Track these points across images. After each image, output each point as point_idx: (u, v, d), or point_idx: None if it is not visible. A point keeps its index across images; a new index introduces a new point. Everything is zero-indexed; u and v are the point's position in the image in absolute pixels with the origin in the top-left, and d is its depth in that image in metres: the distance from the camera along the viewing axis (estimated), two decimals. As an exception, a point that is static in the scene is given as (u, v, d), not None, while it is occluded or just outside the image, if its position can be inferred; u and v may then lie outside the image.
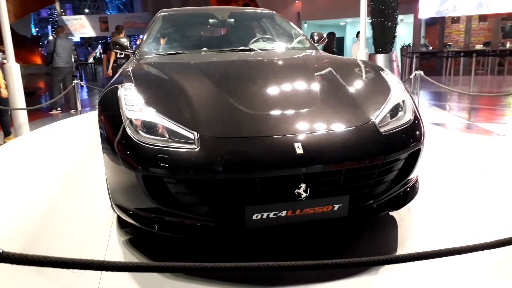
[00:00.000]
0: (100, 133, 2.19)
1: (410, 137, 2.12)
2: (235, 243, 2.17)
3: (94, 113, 6.51)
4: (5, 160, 4.00)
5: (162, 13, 3.91)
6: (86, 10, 37.22)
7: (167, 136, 1.97)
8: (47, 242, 2.31)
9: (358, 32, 8.74)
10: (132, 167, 1.93)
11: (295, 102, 2.22)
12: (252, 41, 3.62)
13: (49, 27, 35.11)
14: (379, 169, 2.02)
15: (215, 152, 1.88)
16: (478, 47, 17.98)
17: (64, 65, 8.65)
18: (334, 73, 2.57)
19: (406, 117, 2.23)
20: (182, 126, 1.99)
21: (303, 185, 1.88)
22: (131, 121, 2.05)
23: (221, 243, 2.17)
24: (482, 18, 19.92)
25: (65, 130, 5.32)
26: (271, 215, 1.90)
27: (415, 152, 2.14)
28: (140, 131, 2.01)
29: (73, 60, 9.18)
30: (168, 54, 3.27)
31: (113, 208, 2.37)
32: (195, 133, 1.95)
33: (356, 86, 2.42)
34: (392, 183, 2.13)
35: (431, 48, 21.25)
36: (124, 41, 3.58)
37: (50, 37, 8.93)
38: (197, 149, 1.88)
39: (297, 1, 22.78)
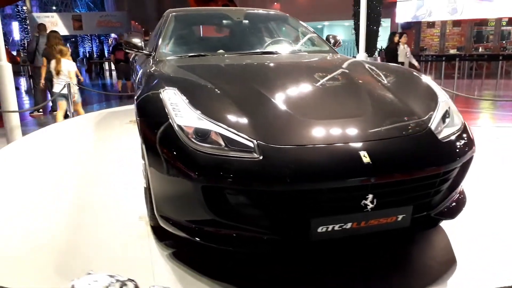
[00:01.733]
0: (144, 142, 2.04)
1: (465, 143, 2.08)
2: (295, 256, 2.07)
3: (90, 115, 6.27)
4: (6, 168, 3.74)
5: (174, 13, 3.76)
6: (54, 8, 35.98)
7: (223, 144, 1.85)
8: (84, 257, 2.14)
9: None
10: (191, 178, 1.80)
11: (348, 108, 2.16)
12: (270, 43, 3.54)
13: (17, 24, 33.71)
14: (441, 177, 1.97)
15: (279, 161, 1.78)
16: (452, 51, 18.52)
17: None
18: (375, 78, 2.52)
19: (455, 122, 2.19)
20: (240, 134, 1.88)
21: (370, 196, 1.81)
22: (181, 128, 1.92)
23: (279, 256, 2.06)
24: (456, 23, 20.53)
25: (62, 133, 5.05)
26: (337, 227, 1.81)
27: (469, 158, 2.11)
28: (192, 139, 1.88)
29: None
30: (189, 56, 3.13)
31: (151, 220, 2.24)
32: (254, 141, 1.84)
33: (402, 91, 2.37)
34: (448, 191, 2.09)
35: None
36: (138, 41, 3.41)
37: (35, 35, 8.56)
38: (260, 158, 1.77)
39: (275, 4, 22.84)
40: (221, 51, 3.29)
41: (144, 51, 3.38)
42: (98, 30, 26.95)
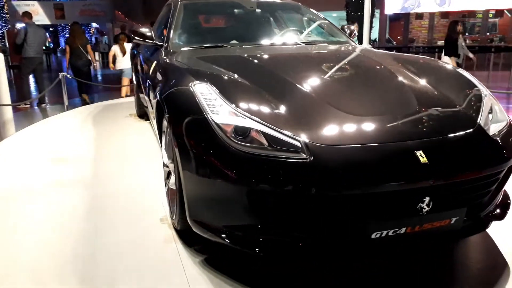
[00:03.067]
0: (178, 142, 1.87)
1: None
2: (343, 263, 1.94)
3: (87, 108, 6.00)
4: (5, 167, 3.50)
5: (183, 2, 3.54)
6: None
7: (266, 143, 1.70)
8: (108, 266, 1.96)
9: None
10: (236, 181, 1.64)
11: (393, 103, 2.03)
12: (286, 33, 3.39)
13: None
14: (494, 177, 1.86)
15: (331, 163, 1.63)
16: (440, 43, 18.60)
17: (35, 55, 7.93)
18: (410, 70, 2.38)
19: (500, 118, 2.08)
20: (284, 132, 1.72)
21: (427, 198, 1.68)
22: (219, 126, 1.76)
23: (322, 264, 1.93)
24: (444, 15, 20.64)
25: (59, 128, 4.79)
26: (391, 232, 1.69)
27: None
28: (232, 138, 1.72)
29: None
30: (205, 47, 2.95)
31: (178, 223, 2.08)
32: (301, 139, 1.69)
33: (442, 85, 2.24)
34: (495, 192, 1.98)
35: (394, 43, 21.79)
36: (147, 30, 3.21)
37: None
38: (311, 159, 1.62)
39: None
40: (234, 41, 3.12)
41: (155, 41, 3.18)
42: (81, 19, 26.18)
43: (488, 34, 19.45)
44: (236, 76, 2.17)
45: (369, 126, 1.82)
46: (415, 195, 1.67)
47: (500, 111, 2.15)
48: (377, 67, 2.48)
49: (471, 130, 1.89)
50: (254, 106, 1.87)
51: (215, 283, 1.82)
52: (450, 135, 1.84)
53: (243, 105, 1.86)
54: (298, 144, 1.68)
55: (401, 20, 21.75)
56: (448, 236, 1.83)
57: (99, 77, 14.14)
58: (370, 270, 1.91)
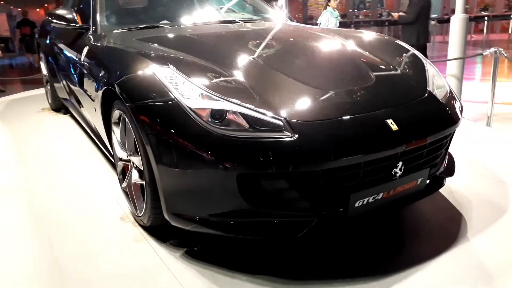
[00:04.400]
0: (147, 133, 1.72)
1: (459, 102, 2.17)
2: (331, 236, 1.98)
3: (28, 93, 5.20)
4: None
5: None
6: None
7: (246, 125, 1.65)
8: (82, 279, 1.77)
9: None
10: (224, 167, 1.58)
11: (353, 77, 2.09)
12: (221, 12, 3.30)
13: None
14: (447, 138, 2.04)
15: (315, 139, 1.64)
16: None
17: None
18: (357, 44, 2.48)
19: (440, 84, 2.27)
20: (264, 112, 1.68)
21: (400, 164, 1.79)
22: (194, 112, 1.66)
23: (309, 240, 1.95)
24: (338, -8, 21.72)
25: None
26: (371, 199, 1.77)
27: None
28: (209, 123, 1.64)
29: None
30: (140, 28, 2.74)
31: (148, 219, 1.95)
32: (282, 118, 1.67)
33: (387, 55, 2.37)
34: (445, 152, 2.17)
35: (295, 21, 22.41)
36: (67, 12, 2.89)
37: None
38: (296, 137, 1.62)
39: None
40: (165, 21, 2.94)
41: (78, 25, 2.88)
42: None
43: (379, 9, 20.97)
44: (192, 57, 2.06)
45: (339, 99, 1.86)
46: (390, 161, 1.76)
47: (439, 77, 2.33)
48: (325, 41, 2.53)
49: (425, 96, 2.04)
50: (224, 88, 1.80)
51: (206, 274, 1.75)
52: (408, 102, 1.96)
53: (213, 87, 1.77)
54: (280, 123, 1.66)
55: (300, -3, 22.46)
56: (415, 197, 1.97)
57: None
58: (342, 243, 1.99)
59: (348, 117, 1.76)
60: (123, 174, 2.28)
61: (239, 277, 1.73)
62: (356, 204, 1.73)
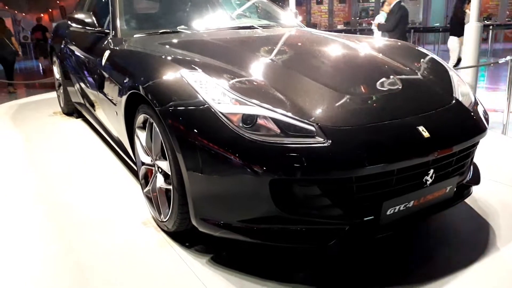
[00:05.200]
0: (178, 137, 1.70)
1: (483, 109, 2.15)
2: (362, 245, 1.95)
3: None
4: None
5: None
6: None
7: (277, 130, 1.63)
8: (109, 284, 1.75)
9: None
10: (257, 173, 1.56)
11: (382, 83, 2.07)
12: (241, 17, 3.32)
13: None
14: (475, 146, 2.02)
15: (349, 145, 1.63)
16: (340, 27, 19.72)
17: None
18: (378, 50, 2.47)
19: (465, 90, 2.25)
20: (296, 117, 1.67)
21: (431, 171, 1.77)
22: (226, 117, 1.65)
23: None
24: (342, 0, 21.82)
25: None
26: (402, 207, 1.75)
27: None
28: (241, 128, 1.62)
29: None
30: (161, 33, 2.73)
31: (173, 225, 1.92)
32: (314, 124, 1.65)
33: (412, 63, 2.36)
34: (471, 160, 2.15)
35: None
36: (86, 16, 2.89)
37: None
38: (329, 143, 1.60)
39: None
40: (183, 26, 2.94)
41: (98, 29, 2.87)
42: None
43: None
44: (218, 62, 2.05)
45: (369, 105, 1.85)
46: (422, 169, 1.74)
47: (463, 84, 2.32)
48: (347, 46, 2.52)
49: (452, 103, 2.02)
50: (254, 93, 1.78)
51: (234, 282, 1.72)
52: (438, 109, 1.95)
53: (243, 92, 1.76)
54: (312, 128, 1.64)
55: (303, 5, 22.59)
56: (444, 205, 1.94)
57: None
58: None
59: (380, 123, 1.75)
60: (146, 179, 2.25)
61: (269, 285, 1.71)
62: (388, 212, 1.71)
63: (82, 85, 3.43)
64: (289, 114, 1.68)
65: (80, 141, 3.67)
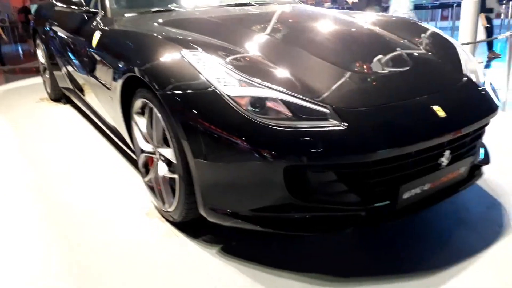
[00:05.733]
0: (182, 123, 1.60)
1: (491, 86, 2.09)
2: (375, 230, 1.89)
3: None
4: None
5: None
6: None
7: (289, 113, 1.54)
8: (116, 279, 1.66)
9: None
10: (271, 159, 1.47)
11: (391, 61, 1.98)
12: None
13: None
14: (487, 125, 1.96)
15: (366, 127, 1.55)
16: (327, 5, 19.35)
17: None
18: (383, 27, 2.37)
19: (473, 67, 2.18)
20: (309, 99, 1.57)
21: (447, 152, 1.70)
22: (234, 100, 1.54)
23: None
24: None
25: None
26: (418, 190, 1.68)
27: None
28: (250, 111, 1.52)
29: None
30: (153, 12, 2.58)
31: (178, 215, 1.84)
32: (328, 106, 1.56)
33: (418, 39, 2.27)
34: (481, 139, 2.09)
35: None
36: None
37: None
38: (345, 126, 1.51)
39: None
40: (174, 4, 2.78)
41: (85, 8, 2.71)
42: None
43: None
44: (219, 41, 1.93)
45: (382, 85, 1.77)
46: (437, 150, 1.68)
47: (470, 60, 2.24)
48: (353, 24, 2.42)
49: (463, 80, 1.95)
50: (261, 73, 1.68)
51: (246, 272, 1.66)
52: (450, 87, 1.88)
53: (250, 72, 1.65)
54: (326, 110, 1.55)
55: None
56: (458, 186, 1.88)
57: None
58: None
59: (395, 103, 1.67)
60: (146, 167, 2.15)
61: (282, 275, 1.65)
62: (404, 196, 1.64)
63: (70, 69, 3.26)
64: (301, 96, 1.58)
65: (71, 129, 3.52)
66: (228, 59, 1.72)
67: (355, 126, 1.52)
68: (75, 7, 2.74)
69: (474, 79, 2.01)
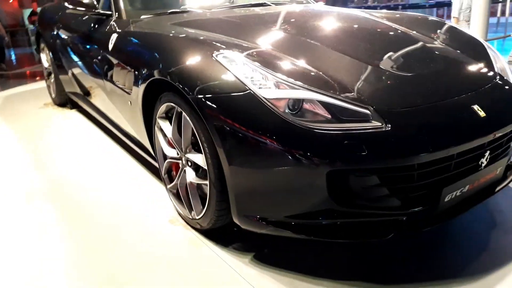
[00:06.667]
0: (216, 128, 1.53)
1: None
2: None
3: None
4: None
5: None
6: None
7: (328, 115, 1.48)
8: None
9: None
10: (314, 164, 1.41)
11: (425, 60, 1.95)
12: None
13: None
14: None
15: (411, 129, 1.50)
16: None
17: None
18: (409, 26, 2.33)
19: (502, 65, 2.13)
20: (349, 100, 1.51)
21: (487, 153, 1.66)
22: (271, 103, 1.48)
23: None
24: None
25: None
26: (458, 192, 1.63)
27: None
28: (288, 115, 1.47)
29: None
30: (170, 13, 2.52)
31: (204, 222, 1.77)
32: (370, 107, 1.51)
33: (449, 39, 2.23)
34: None
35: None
36: None
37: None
38: (389, 128, 1.46)
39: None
40: (187, 6, 2.73)
41: (98, 11, 2.65)
42: None
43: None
44: (248, 42, 1.87)
45: (419, 85, 1.72)
46: (479, 150, 1.63)
47: (498, 58, 2.20)
48: (379, 24, 2.36)
49: (497, 79, 1.90)
50: (296, 74, 1.62)
51: (284, 281, 1.59)
52: (486, 86, 1.83)
53: (285, 73, 1.60)
54: (367, 111, 1.50)
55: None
56: (494, 187, 1.83)
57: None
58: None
59: (436, 103, 1.62)
60: (169, 173, 2.08)
61: (322, 283, 1.58)
62: (447, 199, 1.59)
63: (80, 73, 3.18)
64: (340, 96, 1.53)
65: (80, 134, 3.44)
66: (261, 60, 1.66)
67: (400, 128, 1.47)
68: (86, 9, 2.67)
69: (506, 77, 1.97)
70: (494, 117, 1.66)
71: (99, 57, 2.60)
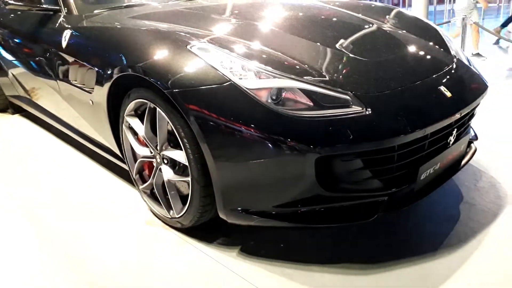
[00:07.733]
0: (198, 123, 1.48)
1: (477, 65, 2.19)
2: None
3: None
4: None
5: None
6: None
7: (310, 103, 1.49)
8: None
9: None
10: (303, 151, 1.42)
11: (390, 46, 2.00)
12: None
13: None
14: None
15: (390, 112, 1.55)
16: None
17: None
18: (370, 16, 2.41)
19: (456, 49, 2.26)
20: (329, 87, 1.53)
21: (454, 131, 1.76)
22: (254, 93, 1.47)
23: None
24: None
25: None
26: (431, 170, 1.72)
27: None
28: (270, 104, 1.46)
29: None
30: (125, 7, 2.40)
31: (188, 221, 1.73)
32: (349, 92, 1.54)
33: (405, 24, 2.32)
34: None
35: None
36: None
37: None
38: (369, 112, 1.50)
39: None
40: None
41: (45, 6, 2.46)
42: None
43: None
44: (220, 33, 1.83)
45: (391, 69, 1.79)
46: (448, 129, 1.72)
47: (452, 42, 2.33)
48: (347, 15, 2.40)
49: (455, 61, 2.02)
50: (274, 63, 1.61)
51: (275, 271, 1.59)
52: (446, 69, 1.93)
53: (263, 62, 1.58)
54: (347, 97, 1.53)
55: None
56: (459, 164, 1.95)
57: None
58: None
59: (408, 86, 1.69)
60: (141, 173, 1.99)
61: (313, 269, 1.60)
62: (422, 177, 1.67)
63: (24, 74, 2.94)
64: (320, 84, 1.54)
65: (31, 141, 3.19)
66: (237, 50, 1.63)
67: (379, 111, 1.51)
68: (29, 4, 2.48)
69: (462, 59, 2.09)
70: (459, 97, 1.76)
71: (50, 56, 2.42)
